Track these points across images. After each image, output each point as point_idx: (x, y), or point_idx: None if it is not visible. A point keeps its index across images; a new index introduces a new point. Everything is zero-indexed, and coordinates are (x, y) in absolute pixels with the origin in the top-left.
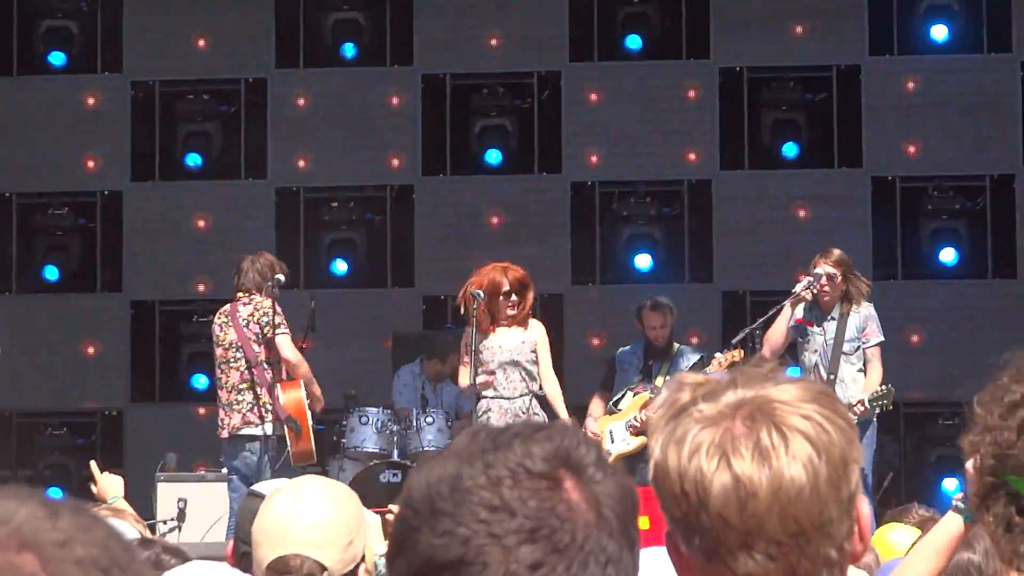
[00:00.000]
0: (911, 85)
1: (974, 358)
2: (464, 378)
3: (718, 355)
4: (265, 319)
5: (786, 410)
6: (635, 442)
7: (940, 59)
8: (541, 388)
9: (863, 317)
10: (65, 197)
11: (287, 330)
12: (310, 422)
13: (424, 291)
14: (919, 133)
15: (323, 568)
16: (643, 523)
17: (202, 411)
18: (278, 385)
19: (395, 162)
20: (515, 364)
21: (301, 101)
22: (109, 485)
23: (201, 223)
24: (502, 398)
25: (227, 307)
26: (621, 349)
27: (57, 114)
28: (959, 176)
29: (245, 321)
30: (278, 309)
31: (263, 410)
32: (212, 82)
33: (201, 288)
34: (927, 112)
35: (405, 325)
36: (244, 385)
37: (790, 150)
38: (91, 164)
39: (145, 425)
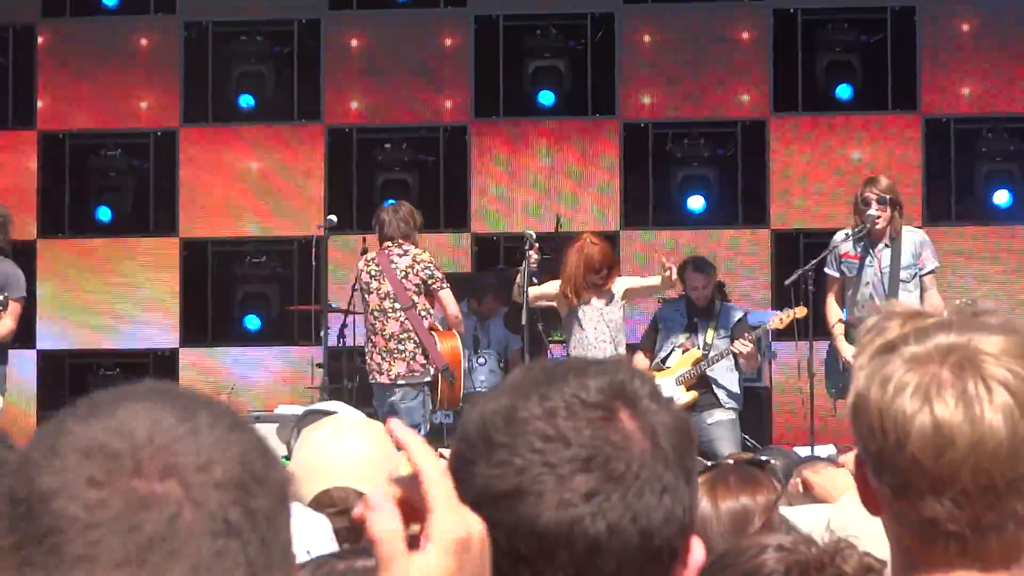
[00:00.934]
0: (966, 26)
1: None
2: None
3: (779, 313)
4: (427, 272)
5: (993, 362)
6: (687, 396)
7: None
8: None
9: (917, 243)
10: (118, 138)
11: (447, 284)
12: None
13: (477, 231)
14: (974, 74)
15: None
16: None
17: (254, 352)
18: (434, 334)
19: (448, 104)
20: (605, 322)
21: (354, 42)
22: None
23: (253, 164)
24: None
25: (374, 255)
26: (662, 305)
27: (110, 55)
28: (1013, 117)
29: (403, 272)
30: (437, 262)
31: (425, 358)
32: (265, 23)
33: (253, 229)
34: (982, 53)
35: (457, 265)
36: (405, 335)
37: (844, 92)
38: (144, 105)
39: (198, 366)
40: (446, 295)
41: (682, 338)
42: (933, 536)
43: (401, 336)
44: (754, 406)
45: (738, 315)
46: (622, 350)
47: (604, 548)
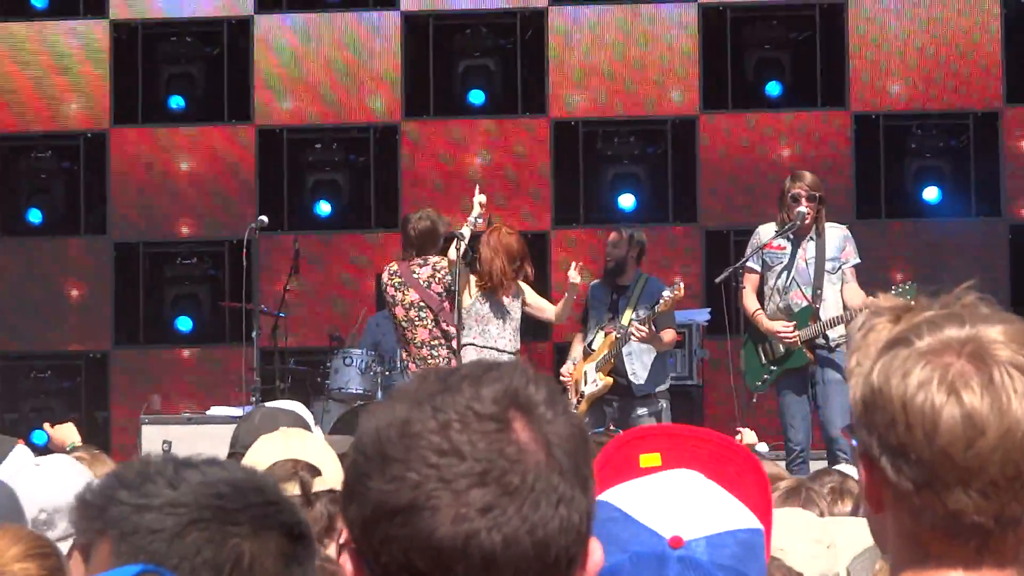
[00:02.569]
0: (895, 23)
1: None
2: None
3: (665, 293)
4: (448, 278)
5: (1007, 351)
6: (602, 382)
7: None
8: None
9: (841, 237)
10: (48, 140)
11: None
12: None
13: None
14: (903, 71)
15: (316, 471)
16: (654, 460)
17: (186, 353)
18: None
19: (378, 103)
20: (509, 318)
21: (284, 42)
22: (63, 434)
23: (184, 165)
24: (495, 349)
25: (396, 267)
26: (593, 282)
27: (39, 57)
28: (943, 114)
29: (427, 282)
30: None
31: (458, 361)
32: (195, 23)
33: (185, 230)
34: (911, 50)
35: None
36: (436, 341)
37: (773, 89)
38: (74, 107)
39: (129, 367)
40: None
41: (605, 318)
42: (956, 530)
43: (432, 343)
44: (685, 404)
45: (661, 293)
46: (518, 345)
47: (500, 561)
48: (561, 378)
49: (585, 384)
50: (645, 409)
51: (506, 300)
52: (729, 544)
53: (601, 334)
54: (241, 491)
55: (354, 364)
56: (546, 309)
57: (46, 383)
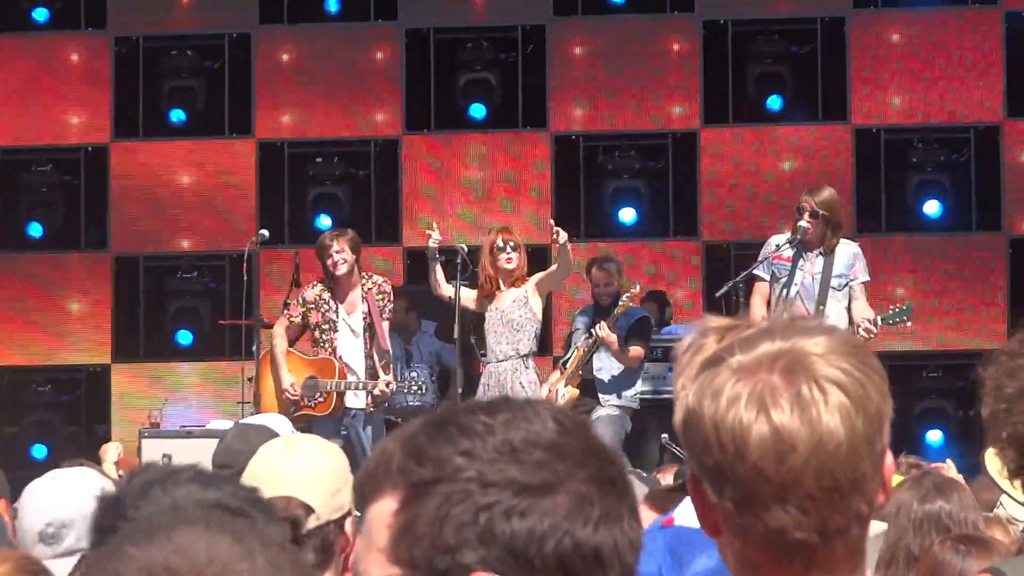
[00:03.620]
0: (896, 37)
1: (957, 311)
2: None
3: (624, 297)
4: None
5: (823, 363)
6: (568, 394)
7: (924, 11)
8: (529, 352)
9: (851, 254)
10: (49, 154)
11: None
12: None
13: (408, 246)
14: (903, 85)
15: (310, 510)
16: None
17: (186, 367)
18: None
19: (379, 117)
20: (503, 323)
21: (285, 56)
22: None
23: (185, 179)
24: (491, 363)
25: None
26: (578, 312)
27: (40, 71)
28: (943, 128)
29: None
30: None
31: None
32: (196, 37)
33: (185, 244)
34: (912, 64)
35: (389, 280)
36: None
37: (775, 103)
38: (75, 121)
39: (130, 381)
40: None
41: (582, 338)
42: (780, 547)
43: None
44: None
45: (638, 315)
46: (522, 346)
47: None
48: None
49: (556, 400)
50: (604, 412)
51: (500, 306)
52: (694, 539)
53: (575, 351)
54: (244, 497)
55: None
56: (551, 268)
57: (46, 396)
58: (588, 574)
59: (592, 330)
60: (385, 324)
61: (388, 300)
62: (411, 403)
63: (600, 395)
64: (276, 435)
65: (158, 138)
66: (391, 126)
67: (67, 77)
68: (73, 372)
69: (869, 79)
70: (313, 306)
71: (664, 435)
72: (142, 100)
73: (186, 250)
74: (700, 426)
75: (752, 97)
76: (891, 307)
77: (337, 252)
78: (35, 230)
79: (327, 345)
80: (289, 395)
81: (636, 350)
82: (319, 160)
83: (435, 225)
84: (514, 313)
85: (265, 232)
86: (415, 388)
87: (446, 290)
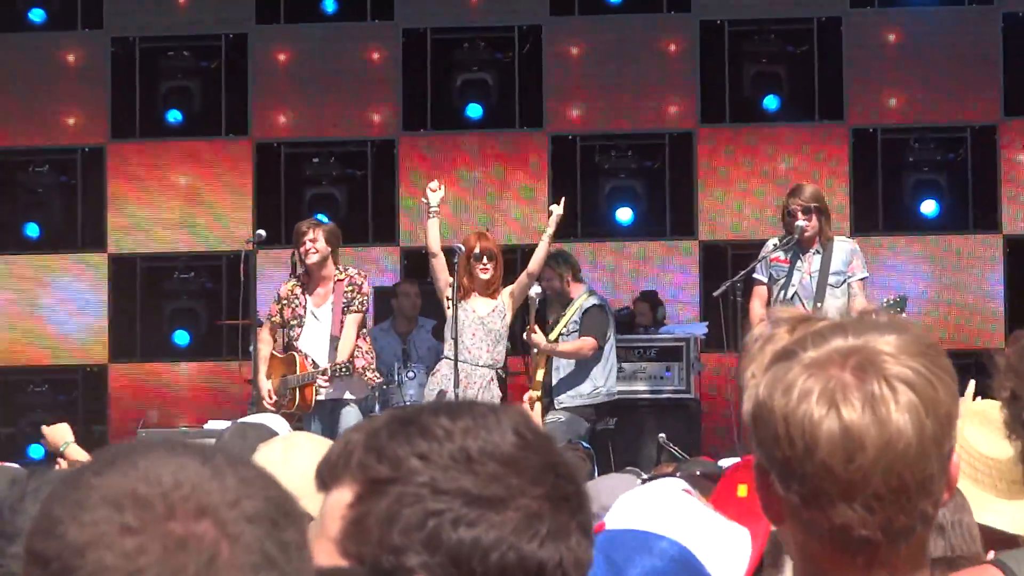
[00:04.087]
0: (892, 36)
1: (954, 310)
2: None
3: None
4: None
5: (894, 362)
6: (527, 402)
7: (921, 11)
8: (504, 367)
9: (848, 251)
10: (46, 154)
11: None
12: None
13: (405, 246)
14: (900, 85)
15: (310, 517)
16: (741, 491)
17: (183, 367)
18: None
19: (376, 117)
20: (484, 330)
21: (282, 56)
22: (56, 434)
23: (182, 179)
24: (466, 363)
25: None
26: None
27: (37, 71)
28: (940, 127)
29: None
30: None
31: None
32: (193, 38)
33: (182, 244)
34: (908, 63)
35: (386, 280)
36: None
37: (771, 103)
38: (72, 121)
39: (127, 381)
40: None
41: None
42: (844, 543)
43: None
44: (683, 417)
45: (588, 306)
46: (499, 358)
47: None
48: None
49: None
50: (550, 418)
51: (478, 310)
52: (628, 542)
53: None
54: None
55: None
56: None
57: (43, 397)
58: None
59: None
60: (351, 317)
61: (357, 292)
62: (408, 403)
63: (554, 398)
64: (275, 434)
65: (155, 138)
66: (388, 126)
67: (64, 78)
68: (70, 372)
69: (866, 79)
70: (286, 302)
71: (662, 435)
72: (139, 100)
73: (183, 251)
74: (770, 419)
75: (748, 97)
76: (884, 300)
77: (311, 240)
78: (32, 230)
79: (294, 340)
80: (267, 403)
81: (580, 342)
82: (316, 160)
83: (438, 183)
84: (495, 323)
85: (262, 232)
86: (343, 371)
87: (434, 243)
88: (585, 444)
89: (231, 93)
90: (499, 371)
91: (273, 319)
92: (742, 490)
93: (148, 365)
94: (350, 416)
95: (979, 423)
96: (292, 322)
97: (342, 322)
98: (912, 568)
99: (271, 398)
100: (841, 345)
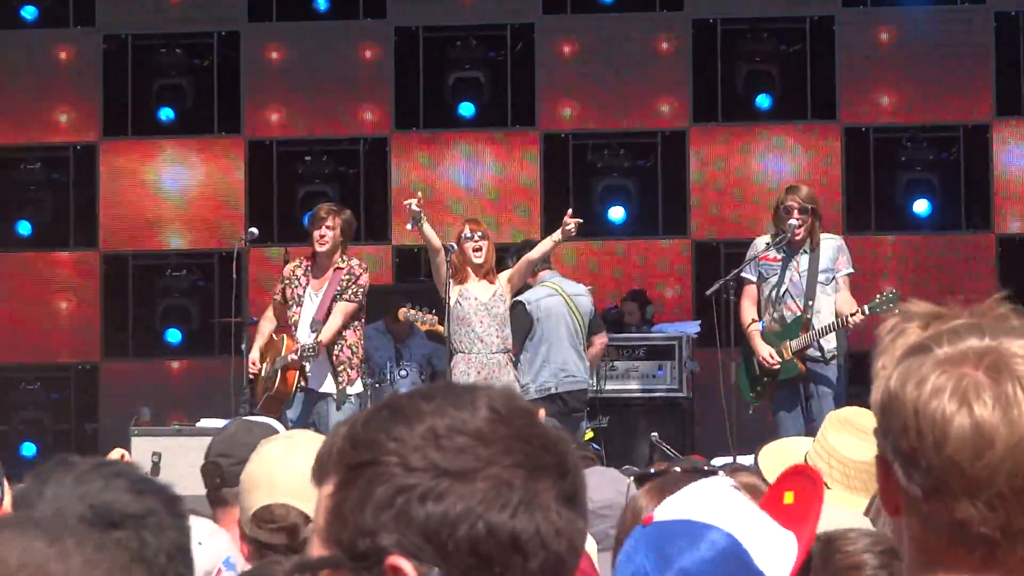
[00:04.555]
0: (885, 36)
1: None
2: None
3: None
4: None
5: None
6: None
7: (913, 10)
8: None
9: (835, 248)
10: (38, 152)
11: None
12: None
13: (397, 244)
14: (892, 84)
15: (308, 519)
16: (788, 498)
17: (175, 365)
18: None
19: (368, 115)
20: (490, 316)
21: (274, 55)
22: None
23: (174, 177)
24: (481, 353)
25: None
26: None
27: (29, 68)
28: (933, 127)
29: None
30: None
31: None
32: (185, 36)
33: (174, 242)
34: (901, 63)
35: (378, 278)
36: None
37: (763, 102)
38: (63, 119)
39: (119, 379)
40: None
41: None
42: (962, 539)
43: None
44: (675, 415)
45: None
46: (508, 342)
47: None
48: None
49: None
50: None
51: (480, 297)
52: (704, 546)
53: None
54: (136, 492)
55: None
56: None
57: (35, 395)
58: (504, 560)
59: None
60: (341, 304)
61: (353, 282)
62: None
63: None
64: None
65: (147, 136)
66: (380, 124)
67: (56, 75)
68: (62, 370)
69: (858, 78)
70: (287, 281)
71: (654, 434)
72: (131, 98)
73: (175, 248)
74: (900, 410)
75: (741, 96)
76: (877, 295)
77: (328, 228)
78: (24, 228)
79: (291, 321)
80: (251, 370)
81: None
82: (308, 159)
83: (420, 194)
84: (498, 307)
85: (254, 230)
86: (308, 351)
87: (435, 240)
88: (596, 447)
89: (223, 91)
90: (509, 353)
91: (276, 298)
92: (789, 497)
93: (140, 363)
94: (322, 410)
95: (844, 430)
96: (290, 303)
97: (330, 308)
98: None
99: (254, 366)
100: (976, 345)
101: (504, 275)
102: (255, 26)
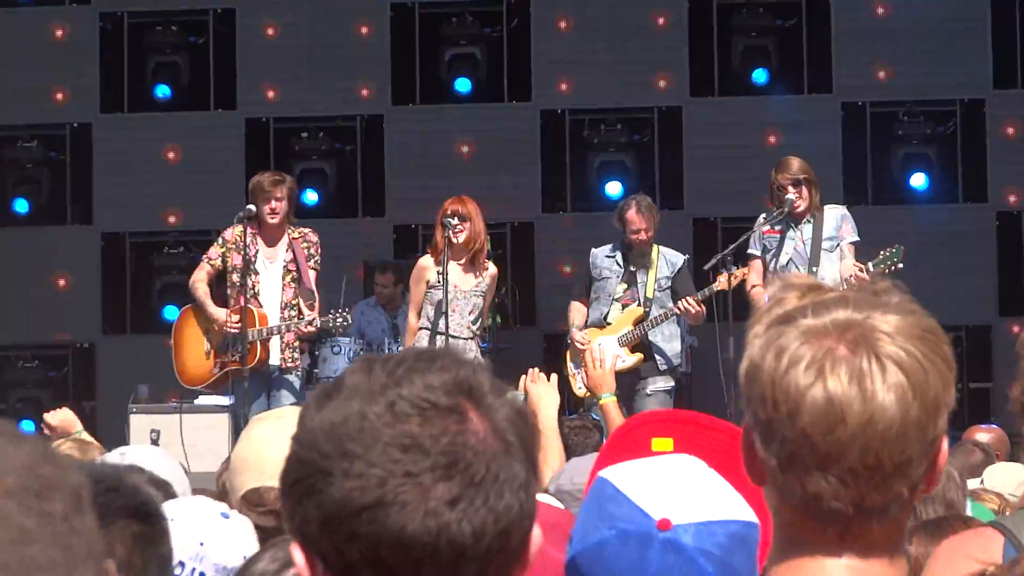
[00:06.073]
0: (881, 10)
1: (944, 284)
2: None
3: (726, 273)
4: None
5: (888, 342)
6: (632, 359)
7: None
8: (479, 328)
9: (839, 216)
10: (34, 130)
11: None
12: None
13: (395, 220)
14: (889, 58)
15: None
16: (666, 445)
17: (173, 342)
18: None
19: (364, 92)
20: (466, 302)
21: (270, 31)
22: (66, 421)
23: (171, 155)
24: (451, 336)
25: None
26: (596, 251)
27: (25, 46)
28: (929, 101)
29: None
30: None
31: None
32: (180, 13)
33: (172, 220)
34: (897, 37)
35: (376, 254)
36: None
37: (760, 76)
38: (60, 96)
39: (117, 357)
40: None
41: (620, 290)
42: (816, 513)
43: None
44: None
45: (678, 263)
46: (475, 328)
47: (469, 552)
48: (578, 344)
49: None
50: (660, 383)
51: (462, 286)
52: (718, 534)
53: (617, 306)
54: None
55: (343, 353)
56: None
57: (33, 373)
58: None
59: (676, 309)
60: (312, 273)
61: (316, 250)
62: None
63: (658, 363)
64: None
65: (143, 113)
66: (377, 101)
67: (52, 53)
68: (60, 349)
69: (855, 52)
70: (233, 246)
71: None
72: (127, 75)
73: (172, 225)
74: (759, 379)
75: (737, 70)
76: (881, 251)
77: (277, 200)
78: (21, 206)
79: (247, 290)
80: (230, 326)
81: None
82: (304, 135)
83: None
84: (475, 298)
85: (251, 207)
86: (339, 320)
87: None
88: (595, 416)
89: (219, 68)
90: (472, 338)
91: (213, 261)
92: (661, 444)
93: (138, 340)
94: (291, 385)
95: None
96: (232, 270)
97: (307, 275)
98: (887, 549)
99: (232, 320)
100: (840, 317)
101: (493, 274)
102: (250, 3)
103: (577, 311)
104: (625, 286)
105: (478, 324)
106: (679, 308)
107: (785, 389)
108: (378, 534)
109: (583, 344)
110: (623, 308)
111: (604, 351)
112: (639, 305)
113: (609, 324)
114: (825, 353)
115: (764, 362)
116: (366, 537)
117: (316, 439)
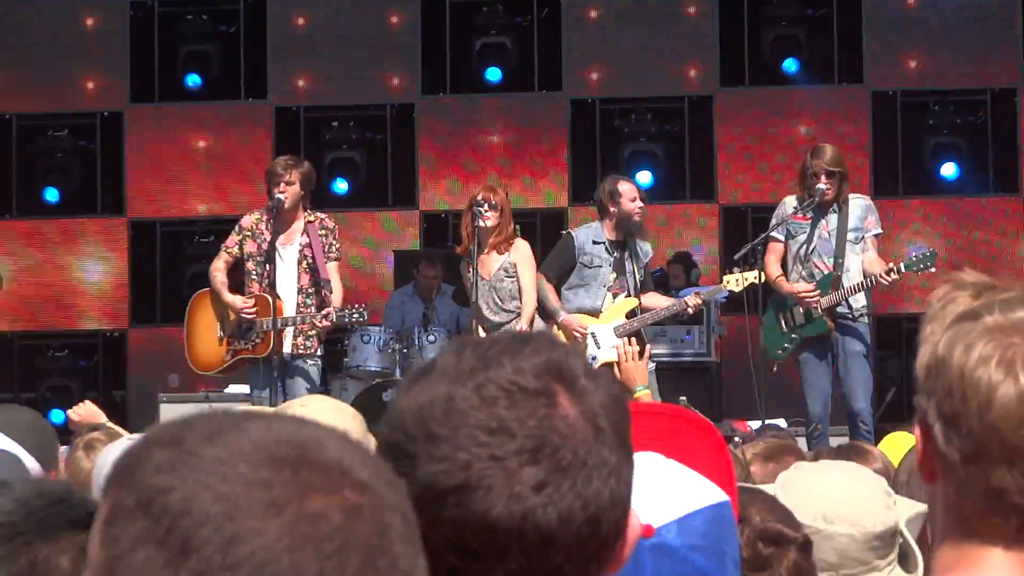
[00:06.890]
0: (911, 0)
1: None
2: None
3: (732, 274)
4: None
5: None
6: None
7: None
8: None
9: (864, 207)
10: (65, 119)
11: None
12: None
13: (425, 210)
14: (919, 48)
15: None
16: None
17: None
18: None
19: (395, 81)
20: (491, 290)
21: (300, 20)
22: (92, 414)
23: (201, 144)
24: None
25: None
26: (579, 235)
27: (56, 36)
28: (960, 90)
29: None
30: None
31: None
32: (211, 2)
33: (202, 209)
34: (927, 26)
35: (406, 244)
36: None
37: (790, 66)
38: (91, 86)
39: (147, 346)
40: None
41: (610, 279)
42: (998, 508)
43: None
44: (703, 380)
45: (649, 251)
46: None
47: (556, 538)
48: (576, 331)
49: (599, 348)
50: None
51: (486, 277)
52: (698, 522)
53: (609, 296)
54: (22, 502)
55: (372, 342)
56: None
57: (63, 362)
58: None
59: (682, 306)
60: (334, 264)
61: (333, 237)
62: (371, 367)
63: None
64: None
65: (174, 103)
66: (407, 90)
67: (83, 42)
68: (90, 337)
69: (885, 42)
70: (249, 234)
71: (682, 397)
72: (158, 65)
73: (202, 215)
74: (946, 373)
75: (768, 60)
76: (914, 253)
77: (287, 183)
78: (51, 195)
79: (262, 279)
80: (247, 312)
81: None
82: (335, 124)
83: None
84: (501, 282)
85: (281, 196)
86: (355, 316)
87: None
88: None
89: (250, 57)
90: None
91: (230, 250)
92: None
93: (168, 329)
94: (304, 372)
95: None
96: (259, 258)
97: (323, 264)
98: None
99: (250, 306)
100: None
101: (523, 254)
102: None
103: (554, 293)
104: (615, 275)
105: (516, 303)
106: (688, 303)
107: (975, 383)
108: (463, 518)
109: (582, 331)
110: (614, 297)
111: (634, 344)
112: (629, 295)
113: (603, 311)
114: (1014, 350)
115: (952, 356)
116: (451, 521)
117: (403, 421)
